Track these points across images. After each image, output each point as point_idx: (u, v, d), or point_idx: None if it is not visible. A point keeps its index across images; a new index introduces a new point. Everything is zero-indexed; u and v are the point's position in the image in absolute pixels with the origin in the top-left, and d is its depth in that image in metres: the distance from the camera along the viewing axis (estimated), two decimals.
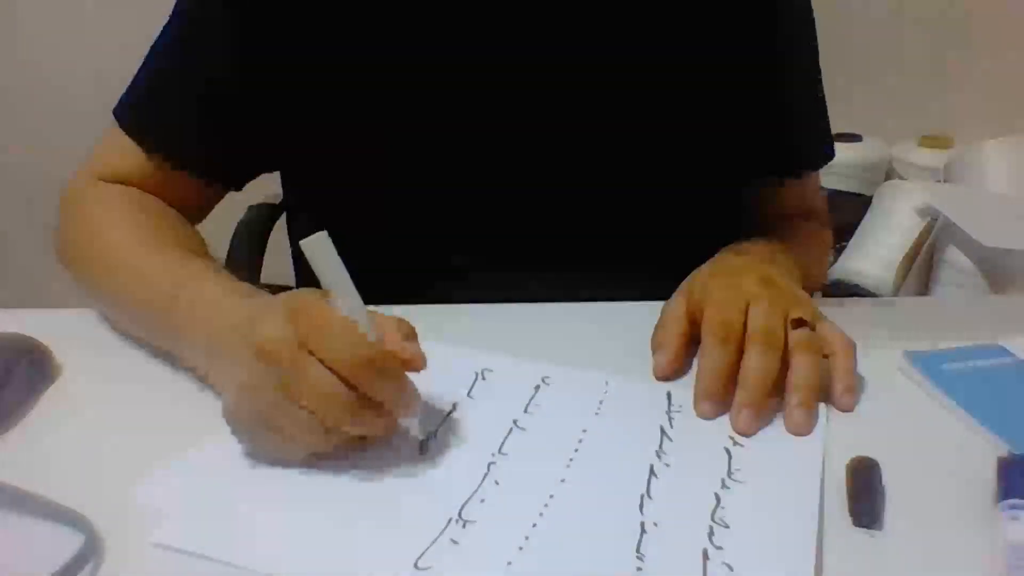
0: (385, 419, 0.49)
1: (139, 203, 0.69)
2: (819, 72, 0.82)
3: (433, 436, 0.53)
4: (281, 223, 0.97)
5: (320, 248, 0.48)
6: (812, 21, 0.80)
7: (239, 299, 0.55)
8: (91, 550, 0.43)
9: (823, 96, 0.83)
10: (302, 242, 0.48)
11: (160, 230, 0.67)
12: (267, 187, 0.95)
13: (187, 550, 0.43)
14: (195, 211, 0.75)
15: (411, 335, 0.51)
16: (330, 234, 0.48)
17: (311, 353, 0.46)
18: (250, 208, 1.06)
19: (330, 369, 0.46)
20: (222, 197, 0.77)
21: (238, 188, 0.77)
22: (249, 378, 0.47)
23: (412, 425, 0.51)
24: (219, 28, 0.69)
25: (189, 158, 0.71)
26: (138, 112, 0.72)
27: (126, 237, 0.65)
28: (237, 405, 0.49)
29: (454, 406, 0.56)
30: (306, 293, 0.50)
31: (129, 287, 0.62)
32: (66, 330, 0.63)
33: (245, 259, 1.01)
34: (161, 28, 0.72)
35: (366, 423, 0.48)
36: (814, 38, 0.81)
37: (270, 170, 0.79)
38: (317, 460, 0.49)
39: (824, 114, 0.84)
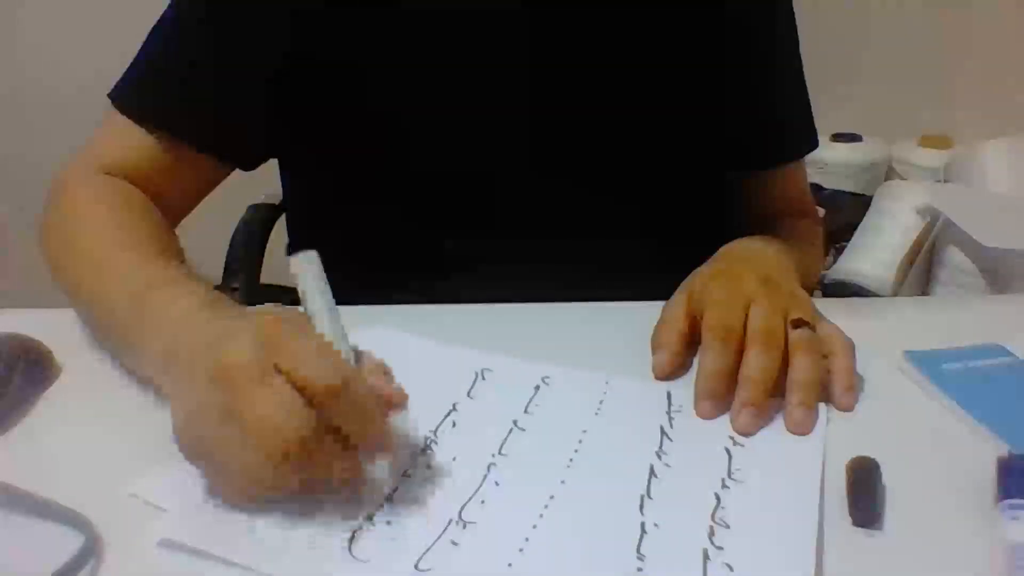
0: (348, 459, 0.45)
1: (126, 199, 0.68)
2: (800, 63, 0.83)
3: (402, 482, 0.48)
4: (281, 223, 0.97)
5: (308, 266, 0.46)
6: (792, 11, 0.81)
7: (209, 314, 0.50)
8: (91, 550, 0.43)
9: (805, 87, 0.84)
10: (291, 259, 0.46)
11: (141, 230, 0.64)
12: (267, 187, 0.96)
13: (187, 550, 0.43)
14: (192, 197, 0.74)
15: (390, 375, 0.48)
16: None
17: (280, 372, 0.42)
18: (250, 208, 1.06)
19: (299, 390, 0.42)
20: (220, 181, 0.75)
21: (244, 167, 0.75)
22: (198, 402, 0.44)
23: (380, 470, 0.46)
24: (222, 6, 0.69)
25: (192, 131, 0.70)
26: (139, 91, 0.71)
27: (105, 231, 0.63)
28: (182, 431, 0.45)
29: (454, 406, 0.56)
30: (284, 308, 0.47)
31: (97, 282, 0.59)
32: (66, 330, 0.63)
33: (245, 259, 1.01)
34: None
35: (324, 456, 0.43)
36: (794, 29, 0.81)
37: (275, 151, 0.78)
38: (268, 504, 0.45)
39: (806, 105, 0.85)
